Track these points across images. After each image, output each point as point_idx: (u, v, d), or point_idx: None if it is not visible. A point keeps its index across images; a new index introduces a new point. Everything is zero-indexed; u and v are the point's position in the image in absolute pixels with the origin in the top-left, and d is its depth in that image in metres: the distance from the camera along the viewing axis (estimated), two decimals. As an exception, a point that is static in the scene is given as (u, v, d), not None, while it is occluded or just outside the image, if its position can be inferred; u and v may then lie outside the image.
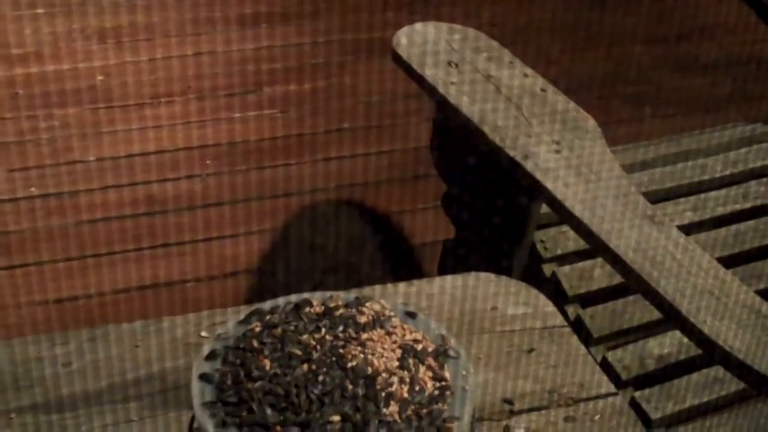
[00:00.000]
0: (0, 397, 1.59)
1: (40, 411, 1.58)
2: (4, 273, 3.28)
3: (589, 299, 2.47)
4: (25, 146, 3.91)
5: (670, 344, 2.39)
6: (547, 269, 2.51)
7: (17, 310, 3.12)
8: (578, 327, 2.38)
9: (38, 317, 3.11)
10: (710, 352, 1.84)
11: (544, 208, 2.38)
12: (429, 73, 2.39)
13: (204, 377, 1.35)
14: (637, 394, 2.27)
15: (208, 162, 3.86)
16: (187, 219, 3.56)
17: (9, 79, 4.31)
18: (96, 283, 3.26)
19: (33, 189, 3.67)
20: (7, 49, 4.48)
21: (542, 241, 2.55)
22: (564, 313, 2.20)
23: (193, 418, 1.35)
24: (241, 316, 1.45)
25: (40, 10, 4.78)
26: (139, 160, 3.89)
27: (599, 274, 2.49)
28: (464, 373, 1.39)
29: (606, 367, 2.29)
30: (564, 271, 2.49)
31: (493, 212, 2.45)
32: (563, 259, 2.54)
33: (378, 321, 1.42)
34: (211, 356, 1.38)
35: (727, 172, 2.82)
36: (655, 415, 2.22)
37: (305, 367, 1.33)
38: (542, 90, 2.40)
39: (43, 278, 3.25)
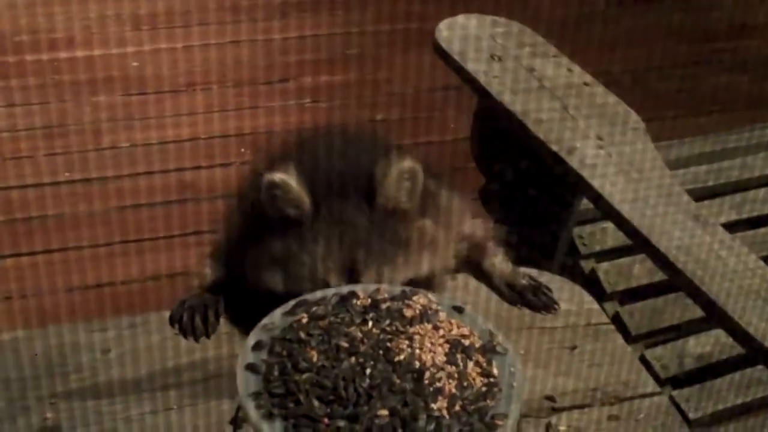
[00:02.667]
0: (40, 383, 1.60)
1: (79, 397, 1.58)
2: (42, 258, 3.30)
3: (627, 296, 2.45)
4: (59, 132, 3.92)
5: (709, 343, 2.37)
6: (586, 265, 2.49)
7: (54, 296, 3.13)
8: (616, 324, 2.36)
9: (75, 302, 3.12)
10: (755, 353, 1.82)
11: (583, 204, 2.36)
12: (471, 66, 2.37)
13: (250, 367, 1.34)
14: (675, 393, 2.25)
15: (243, 150, 3.86)
16: (222, 206, 3.56)
17: (42, 65, 4.32)
18: (134, 269, 3.27)
19: (67, 174, 3.69)
20: (41, 35, 4.49)
21: (581, 237, 2.53)
22: (602, 310, 2.18)
23: (238, 408, 1.34)
24: (287, 307, 1.44)
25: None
26: (173, 147, 3.89)
27: (638, 271, 2.47)
28: (512, 369, 1.37)
29: (644, 365, 2.26)
30: (603, 268, 2.47)
31: (532, 207, 2.43)
32: (602, 256, 2.52)
33: (425, 315, 1.41)
34: (258, 347, 1.37)
35: (768, 171, 2.79)
36: (694, 415, 2.20)
37: (352, 359, 1.31)
38: (586, 85, 2.38)
39: (79, 264, 3.26)
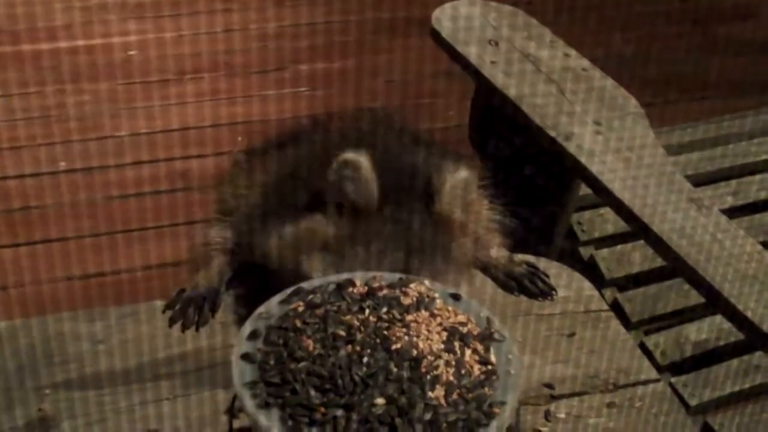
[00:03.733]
0: (35, 374, 1.59)
1: (75, 387, 1.57)
2: (28, 249, 3.28)
3: (626, 283, 2.45)
4: (54, 121, 3.90)
5: (708, 330, 2.36)
6: (585, 252, 2.48)
7: (43, 286, 3.12)
8: (615, 311, 2.35)
9: (70, 292, 3.11)
10: (755, 340, 1.81)
11: (582, 190, 2.35)
12: (468, 52, 2.36)
13: (246, 357, 1.32)
14: (674, 380, 2.24)
15: (239, 138, 3.84)
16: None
17: (38, 54, 4.30)
18: (126, 259, 3.26)
19: (62, 164, 3.67)
20: (36, 23, 4.46)
21: (579, 224, 2.52)
22: (601, 296, 2.17)
23: (234, 398, 1.33)
24: (283, 295, 1.43)
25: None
26: (168, 136, 3.87)
27: (637, 258, 2.46)
28: (510, 357, 1.36)
29: (643, 351, 2.25)
30: (602, 255, 2.46)
31: (530, 194, 2.41)
32: (601, 242, 2.51)
33: (422, 302, 1.39)
34: (253, 335, 1.36)
35: (769, 156, 2.78)
36: (693, 402, 2.19)
37: (349, 348, 1.30)
38: (583, 70, 2.37)
39: (74, 253, 3.25)
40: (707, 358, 2.33)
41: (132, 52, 4.39)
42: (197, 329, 1.68)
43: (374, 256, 1.56)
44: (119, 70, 4.26)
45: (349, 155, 1.55)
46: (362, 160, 1.55)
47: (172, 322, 1.69)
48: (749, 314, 1.76)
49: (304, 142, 1.80)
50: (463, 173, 1.61)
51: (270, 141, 1.91)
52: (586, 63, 2.40)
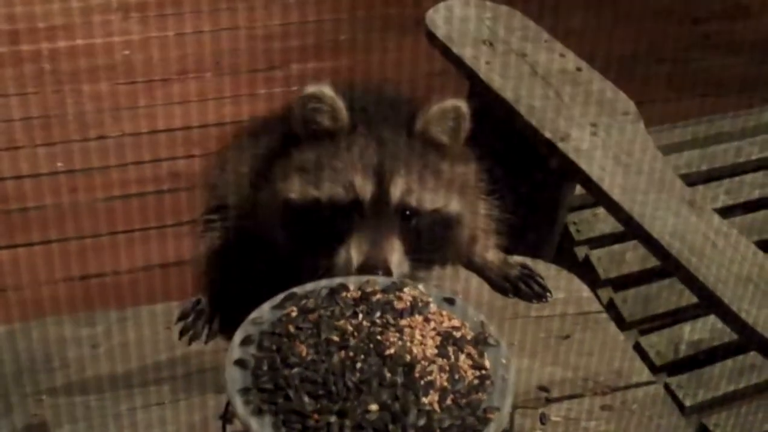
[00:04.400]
0: (30, 378, 1.58)
1: (71, 392, 1.57)
2: (29, 250, 3.27)
3: (621, 283, 2.45)
4: (51, 121, 3.89)
5: (704, 330, 2.36)
6: (580, 252, 2.48)
7: (43, 287, 3.11)
8: (611, 311, 2.35)
9: (69, 293, 3.10)
10: (750, 340, 1.80)
11: (577, 190, 2.34)
12: (463, 52, 2.35)
13: (239, 363, 1.32)
14: (670, 380, 2.24)
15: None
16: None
17: (35, 54, 4.29)
18: (127, 260, 3.25)
19: (60, 164, 3.66)
20: (33, 23, 4.45)
21: (575, 224, 2.52)
22: (596, 297, 2.17)
23: (227, 404, 1.33)
24: (276, 301, 1.43)
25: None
26: (165, 136, 3.87)
27: (632, 258, 2.46)
28: (504, 361, 1.36)
29: (639, 352, 2.26)
30: (597, 255, 2.46)
31: (526, 194, 2.41)
32: (596, 242, 2.51)
33: (416, 307, 1.39)
34: (246, 341, 1.36)
35: (763, 155, 2.77)
36: (689, 402, 2.19)
37: (342, 353, 1.30)
38: (578, 70, 2.36)
39: (73, 254, 3.24)
40: (702, 358, 2.33)
41: (126, 52, 4.38)
42: (205, 342, 1.70)
43: (349, 164, 1.63)
44: (117, 71, 4.25)
45: (310, 88, 1.64)
46: (323, 89, 1.64)
47: (182, 333, 1.70)
48: (743, 315, 1.76)
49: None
50: (454, 102, 1.68)
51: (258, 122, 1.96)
52: (581, 64, 2.39)
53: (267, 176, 1.69)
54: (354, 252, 1.59)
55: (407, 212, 1.64)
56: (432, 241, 1.68)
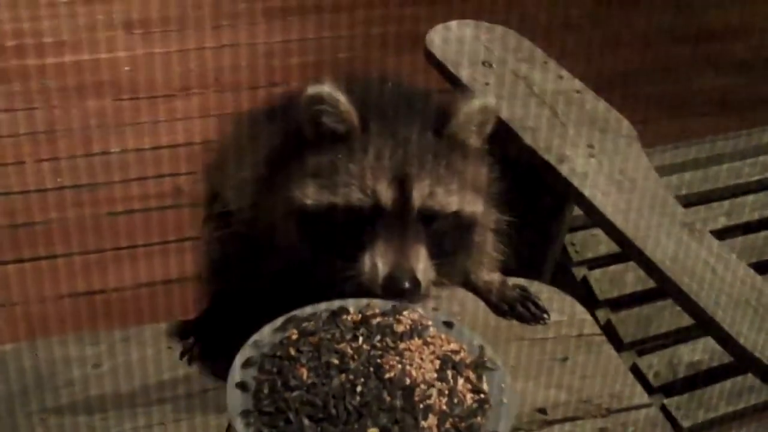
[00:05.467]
0: (35, 397, 1.59)
1: (73, 412, 1.58)
2: (32, 265, 3.28)
3: (620, 303, 2.45)
4: (51, 137, 3.91)
5: (701, 351, 2.37)
6: (578, 272, 2.49)
7: (46, 304, 3.12)
8: (608, 332, 2.36)
9: (75, 309, 3.10)
10: (747, 364, 1.82)
11: (576, 211, 2.36)
12: (462, 73, 2.37)
13: (240, 385, 1.33)
14: (667, 401, 2.25)
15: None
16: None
17: (38, 69, 4.31)
18: (131, 276, 3.26)
19: (59, 180, 3.67)
20: (36, 39, 4.48)
21: (573, 244, 2.53)
22: (594, 317, 2.18)
23: (228, 426, 1.34)
24: (277, 324, 1.44)
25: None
26: (167, 152, 3.88)
27: (630, 279, 2.47)
28: (503, 385, 1.37)
29: (637, 373, 2.27)
30: (595, 275, 2.47)
31: (524, 215, 2.42)
32: (594, 263, 2.52)
33: (415, 330, 1.41)
34: (247, 364, 1.37)
35: (763, 176, 2.78)
36: (686, 423, 2.20)
37: (343, 377, 1.31)
38: (577, 92, 2.38)
39: (79, 269, 3.25)
40: (700, 379, 2.33)
41: (129, 68, 4.40)
42: (189, 363, 1.69)
43: (369, 168, 1.55)
44: (120, 86, 4.27)
45: (310, 89, 1.55)
46: (324, 89, 1.55)
47: (182, 355, 1.70)
48: (741, 340, 1.77)
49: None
50: (486, 101, 1.63)
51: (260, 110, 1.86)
52: (578, 84, 2.41)
53: (276, 181, 1.62)
54: (380, 261, 1.52)
55: (429, 216, 1.58)
56: (454, 243, 1.64)
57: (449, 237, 1.62)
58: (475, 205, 1.64)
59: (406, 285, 1.50)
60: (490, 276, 1.89)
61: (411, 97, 1.67)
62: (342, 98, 1.56)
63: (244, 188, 1.68)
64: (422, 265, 1.54)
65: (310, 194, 1.56)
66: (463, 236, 1.67)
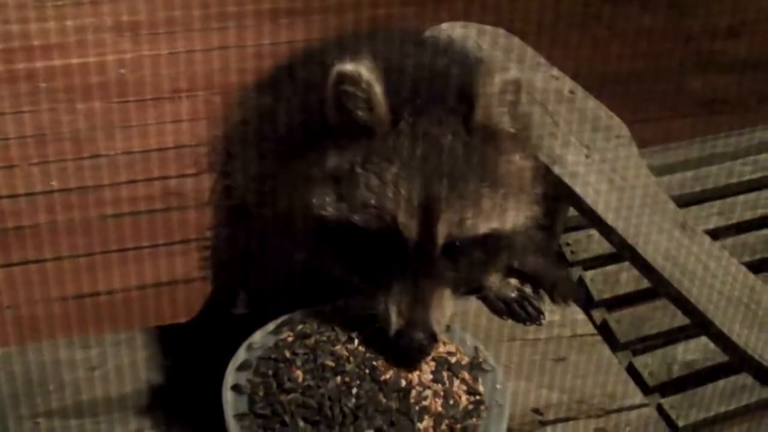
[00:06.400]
0: (26, 401, 1.59)
1: (64, 416, 1.57)
2: (23, 268, 3.27)
3: (615, 304, 2.45)
4: (44, 140, 3.90)
5: (697, 350, 2.36)
6: (574, 273, 2.48)
7: (37, 307, 3.11)
8: (604, 332, 2.35)
9: (65, 312, 3.09)
10: (741, 362, 1.81)
11: (572, 211, 2.35)
12: (456, 74, 2.36)
13: (235, 388, 1.33)
14: (663, 401, 2.25)
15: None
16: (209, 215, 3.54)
17: (30, 72, 4.30)
18: (122, 279, 3.25)
19: (53, 183, 3.66)
20: (28, 41, 4.46)
21: (569, 244, 2.52)
22: (590, 317, 2.17)
23: (224, 429, 1.33)
24: (272, 326, 1.44)
25: (60, 2, 4.77)
26: (158, 155, 3.87)
27: (626, 278, 2.46)
28: (498, 387, 1.37)
29: (632, 372, 2.26)
30: (591, 275, 2.46)
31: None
32: (590, 263, 2.51)
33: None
34: (243, 367, 1.37)
35: (757, 176, 2.78)
36: (681, 422, 2.19)
37: (338, 379, 1.31)
38: (571, 92, 2.37)
39: (69, 273, 3.24)
40: (696, 378, 2.33)
41: (122, 71, 4.39)
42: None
43: (390, 187, 1.32)
44: (112, 89, 4.25)
45: (346, 66, 1.32)
46: (362, 69, 1.32)
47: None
48: (734, 337, 1.77)
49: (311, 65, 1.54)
50: (513, 73, 1.36)
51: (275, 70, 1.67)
52: (573, 85, 2.41)
53: (295, 176, 1.41)
54: (393, 312, 1.33)
55: (457, 244, 1.36)
56: (485, 262, 1.44)
57: (481, 258, 1.41)
58: (517, 216, 1.42)
59: (423, 342, 1.32)
60: (491, 275, 1.82)
61: (441, 73, 1.42)
62: (378, 86, 1.33)
63: (261, 181, 1.51)
64: (442, 312, 1.35)
65: (328, 205, 1.37)
66: (498, 252, 1.45)
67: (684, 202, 2.56)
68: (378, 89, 1.33)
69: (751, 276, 1.98)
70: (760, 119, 3.14)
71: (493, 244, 1.40)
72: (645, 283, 2.33)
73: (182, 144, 3.94)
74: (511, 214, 1.40)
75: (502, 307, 1.84)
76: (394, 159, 1.34)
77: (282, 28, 4.77)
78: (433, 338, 1.33)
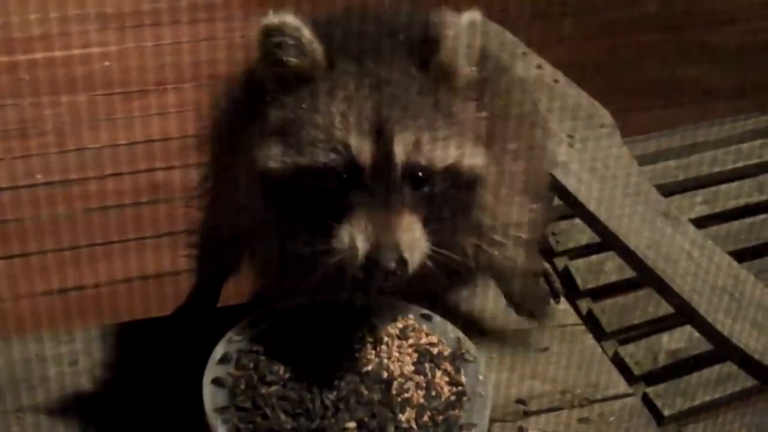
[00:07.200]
0: (10, 396, 1.58)
1: (47, 411, 1.56)
2: (17, 261, 3.25)
3: (600, 293, 2.45)
4: (29, 132, 3.87)
5: (682, 339, 2.37)
6: (559, 262, 2.49)
7: (21, 301, 3.09)
8: (590, 321, 2.36)
9: (50, 306, 3.07)
10: (725, 351, 1.82)
11: (556, 201, 2.35)
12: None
13: (216, 381, 1.32)
14: (649, 390, 2.25)
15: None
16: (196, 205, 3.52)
17: (13, 65, 4.27)
18: (107, 273, 3.23)
19: (39, 176, 3.64)
20: (10, 34, 4.43)
21: (554, 234, 2.52)
22: (575, 307, 2.18)
23: (205, 423, 1.33)
24: (253, 318, 1.43)
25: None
26: (143, 147, 3.85)
27: (611, 268, 2.47)
28: (481, 377, 1.37)
29: (618, 362, 2.27)
30: (576, 265, 2.47)
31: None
32: (575, 253, 2.52)
33: (393, 323, 1.40)
34: (224, 359, 1.36)
35: (741, 165, 2.79)
36: (667, 411, 2.20)
37: (319, 371, 1.30)
38: (555, 81, 2.37)
39: (53, 267, 3.22)
40: (681, 367, 2.34)
41: (107, 63, 4.37)
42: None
43: (338, 116, 1.28)
44: (96, 81, 4.23)
45: (270, 18, 1.32)
46: (286, 17, 1.32)
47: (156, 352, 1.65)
48: (719, 326, 1.78)
49: None
50: (473, 14, 1.31)
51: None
52: (558, 75, 2.41)
53: (241, 140, 1.39)
54: (358, 237, 1.24)
55: (418, 173, 1.29)
56: (452, 207, 1.34)
57: (446, 200, 1.32)
58: (474, 156, 1.34)
59: (392, 265, 1.22)
60: (513, 252, 1.55)
61: (391, 23, 1.39)
62: (306, 29, 1.31)
63: (224, 167, 1.50)
64: (411, 236, 1.26)
65: (273, 155, 1.31)
66: (465, 197, 1.36)
67: (668, 191, 2.56)
68: (306, 32, 1.31)
69: (735, 265, 1.98)
70: (744, 108, 3.14)
71: (455, 181, 1.32)
72: (630, 273, 2.33)
73: (169, 136, 3.91)
74: (473, 154, 1.33)
75: (523, 306, 1.67)
76: (337, 93, 1.30)
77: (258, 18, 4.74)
78: (403, 262, 1.24)
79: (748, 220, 2.63)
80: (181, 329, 1.69)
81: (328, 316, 1.40)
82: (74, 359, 1.66)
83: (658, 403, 2.22)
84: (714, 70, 4.45)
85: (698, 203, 2.63)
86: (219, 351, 1.37)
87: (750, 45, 4.28)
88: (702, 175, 2.73)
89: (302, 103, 1.31)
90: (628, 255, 1.94)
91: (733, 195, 2.66)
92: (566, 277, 2.47)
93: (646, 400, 2.20)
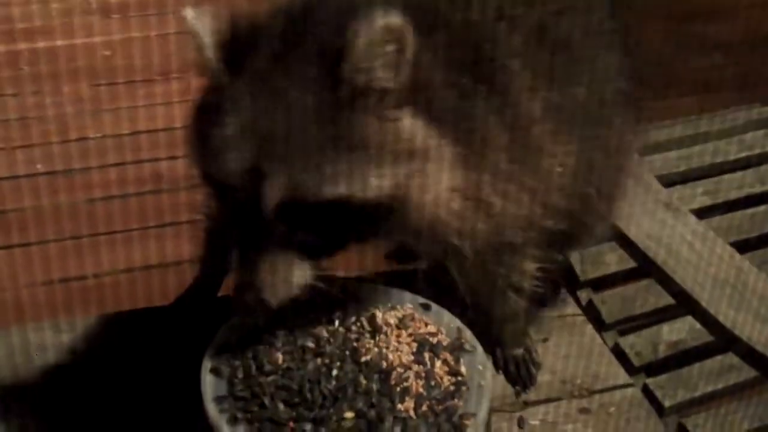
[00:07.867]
0: (8, 385, 1.58)
1: (47, 398, 1.56)
2: (18, 251, 3.25)
3: (601, 284, 2.44)
4: (30, 123, 3.87)
5: (683, 330, 2.36)
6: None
7: (23, 291, 3.09)
8: (590, 312, 2.35)
9: (51, 296, 3.08)
10: (727, 342, 1.82)
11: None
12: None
13: (214, 371, 1.32)
14: (649, 381, 2.25)
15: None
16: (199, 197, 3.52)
17: (14, 55, 4.26)
18: (110, 263, 3.23)
19: (39, 166, 3.64)
20: (11, 24, 4.42)
21: (554, 227, 2.51)
22: (575, 298, 2.17)
23: (204, 413, 1.33)
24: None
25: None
26: (147, 137, 3.85)
27: (611, 258, 2.45)
28: (480, 367, 1.36)
29: (618, 352, 2.26)
30: (576, 255, 2.46)
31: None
32: (575, 243, 2.51)
33: (392, 312, 1.40)
34: (222, 349, 1.36)
35: (742, 155, 2.78)
36: (667, 403, 2.19)
37: (318, 360, 1.31)
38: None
39: (55, 257, 3.22)
40: (682, 358, 2.33)
41: (107, 53, 4.36)
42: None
43: (221, 150, 1.21)
44: (99, 71, 4.22)
45: (184, 11, 1.27)
46: (188, 15, 1.28)
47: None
48: (720, 318, 1.77)
49: None
50: (390, 19, 1.14)
51: None
52: (558, 64, 2.39)
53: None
54: (234, 272, 1.26)
55: (295, 212, 1.20)
56: (342, 230, 1.26)
57: (334, 225, 1.23)
58: (381, 182, 1.20)
59: (252, 305, 1.24)
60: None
61: (309, 21, 1.26)
62: (205, 34, 1.24)
63: None
64: (275, 278, 1.23)
65: (196, 161, 1.29)
66: (358, 221, 1.24)
67: (669, 181, 2.55)
68: (205, 36, 1.24)
69: (737, 256, 1.98)
70: (746, 99, 3.13)
71: (345, 211, 1.21)
72: (631, 263, 2.32)
73: (173, 126, 3.91)
74: (372, 181, 1.20)
75: (499, 363, 1.65)
76: (222, 117, 1.21)
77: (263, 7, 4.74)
78: (262, 303, 1.24)
79: (750, 211, 2.61)
80: (181, 318, 1.69)
81: (325, 304, 1.40)
82: (75, 348, 1.66)
83: (659, 394, 2.21)
84: (716, 61, 4.44)
85: (700, 194, 2.61)
86: (217, 341, 1.37)
87: (752, 36, 4.27)
88: (704, 165, 2.71)
89: (206, 109, 1.27)
90: (629, 246, 1.94)
91: (735, 186, 2.65)
92: (566, 267, 2.46)
93: (647, 391, 2.19)
